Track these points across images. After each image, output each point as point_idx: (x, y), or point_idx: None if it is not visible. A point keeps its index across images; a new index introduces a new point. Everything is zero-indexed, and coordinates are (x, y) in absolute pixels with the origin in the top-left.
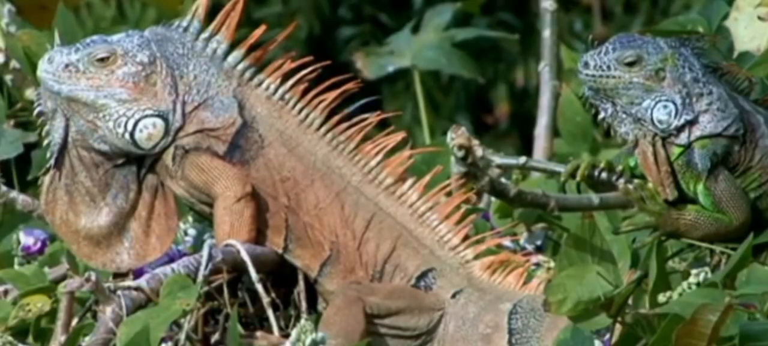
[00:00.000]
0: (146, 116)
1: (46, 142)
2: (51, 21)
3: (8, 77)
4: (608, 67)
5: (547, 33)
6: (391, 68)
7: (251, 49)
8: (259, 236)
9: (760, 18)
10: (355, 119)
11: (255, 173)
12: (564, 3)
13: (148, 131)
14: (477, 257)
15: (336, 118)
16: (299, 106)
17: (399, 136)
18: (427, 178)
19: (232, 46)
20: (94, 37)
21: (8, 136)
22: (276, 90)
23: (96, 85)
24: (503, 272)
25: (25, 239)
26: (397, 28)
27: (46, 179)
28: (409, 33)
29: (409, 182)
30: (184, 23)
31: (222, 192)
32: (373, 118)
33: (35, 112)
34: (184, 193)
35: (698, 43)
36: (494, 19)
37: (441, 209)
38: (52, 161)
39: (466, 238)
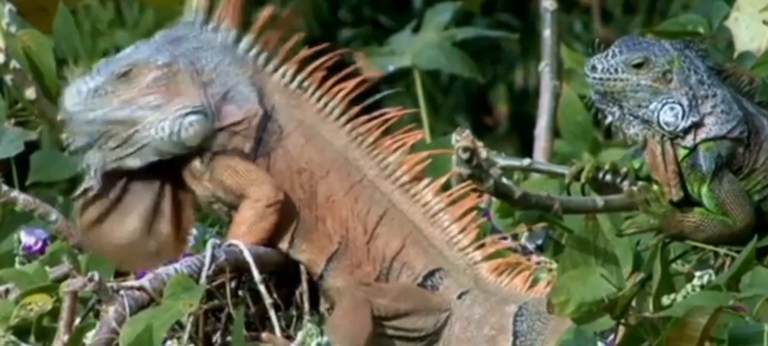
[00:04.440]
0: (187, 114)
1: (88, 176)
2: (51, 22)
3: (8, 77)
4: (616, 70)
5: (547, 33)
6: (391, 68)
7: (259, 34)
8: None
9: (765, 22)
10: (375, 113)
11: (273, 165)
12: (564, 4)
13: (194, 128)
14: (485, 259)
15: (356, 109)
16: (318, 94)
17: (418, 134)
18: (442, 179)
19: (241, 34)
20: (108, 59)
21: (9, 135)
22: (293, 77)
23: (128, 100)
24: (510, 275)
25: (26, 238)
26: (397, 30)
27: (80, 201)
28: (410, 33)
29: (425, 181)
30: (190, 19)
31: (254, 195)
32: (394, 112)
33: (68, 151)
34: (208, 193)
35: (702, 46)
36: (494, 19)
37: (453, 211)
38: (96, 189)
39: (475, 240)
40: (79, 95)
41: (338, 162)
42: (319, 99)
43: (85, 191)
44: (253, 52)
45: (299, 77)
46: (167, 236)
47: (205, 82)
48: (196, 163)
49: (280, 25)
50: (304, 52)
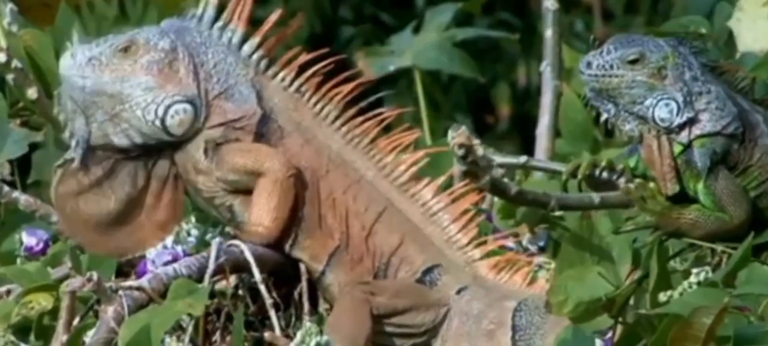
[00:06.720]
0: (176, 102)
1: (72, 142)
2: (54, 18)
3: (10, 77)
4: (611, 66)
5: (548, 33)
6: (392, 68)
7: (265, 38)
8: None
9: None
10: (370, 113)
11: None
12: (564, 3)
13: (180, 117)
14: (484, 256)
15: (351, 111)
16: (314, 98)
17: (414, 134)
18: (441, 179)
19: (247, 35)
20: (113, 33)
21: (14, 135)
22: (292, 82)
23: (121, 76)
24: (509, 272)
25: (28, 239)
26: (398, 28)
27: (60, 171)
28: (411, 33)
29: (424, 181)
30: (198, 13)
31: (271, 169)
32: (389, 112)
33: (54, 112)
34: (215, 185)
35: (695, 42)
36: (494, 18)
37: (452, 210)
38: (77, 161)
39: (474, 238)
40: (74, 60)
41: (336, 163)
42: (315, 103)
43: (67, 161)
44: (257, 55)
45: (297, 82)
46: (143, 227)
47: (204, 78)
48: (201, 160)
49: (284, 30)
50: (303, 57)
